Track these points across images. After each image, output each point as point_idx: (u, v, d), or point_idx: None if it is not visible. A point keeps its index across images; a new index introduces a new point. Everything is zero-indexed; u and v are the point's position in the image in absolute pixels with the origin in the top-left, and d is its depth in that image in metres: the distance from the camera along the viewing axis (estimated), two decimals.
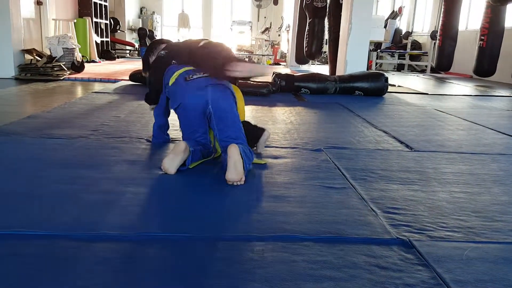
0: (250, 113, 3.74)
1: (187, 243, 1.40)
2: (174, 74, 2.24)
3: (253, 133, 2.40)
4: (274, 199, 1.80)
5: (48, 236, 1.39)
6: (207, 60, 2.24)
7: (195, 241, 1.41)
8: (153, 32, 5.60)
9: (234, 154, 1.96)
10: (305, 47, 8.36)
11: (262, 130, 2.47)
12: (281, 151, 2.56)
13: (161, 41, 2.59)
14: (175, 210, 1.67)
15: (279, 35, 13.30)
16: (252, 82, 4.76)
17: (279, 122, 3.48)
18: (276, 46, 12.78)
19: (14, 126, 2.89)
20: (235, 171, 1.94)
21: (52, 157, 2.25)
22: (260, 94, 4.69)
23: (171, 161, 2.05)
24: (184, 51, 2.34)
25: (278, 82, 5.12)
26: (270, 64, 11.18)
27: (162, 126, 2.58)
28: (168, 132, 2.67)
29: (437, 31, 8.49)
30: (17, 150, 2.37)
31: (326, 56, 7.84)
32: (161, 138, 2.62)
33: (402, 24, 12.28)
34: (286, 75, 5.32)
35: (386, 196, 1.89)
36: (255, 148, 2.46)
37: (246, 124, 2.39)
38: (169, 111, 2.48)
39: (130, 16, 13.88)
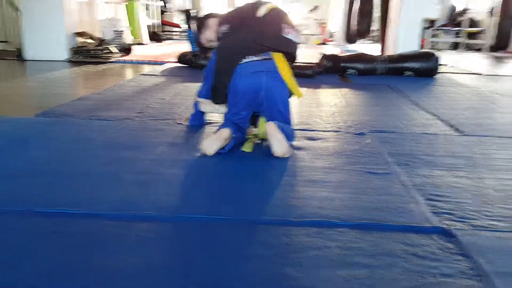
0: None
1: (224, 226, 1.42)
2: None
3: None
4: (311, 183, 1.79)
5: (91, 215, 1.46)
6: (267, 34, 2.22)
7: (232, 224, 1.43)
8: (198, 13, 5.64)
9: (274, 131, 2.07)
10: (355, 25, 8.14)
11: None
12: (322, 134, 2.52)
13: (209, 15, 2.49)
14: (213, 193, 1.70)
15: (328, 13, 13.01)
16: (297, 64, 4.69)
17: (323, 104, 3.43)
18: (324, 25, 12.52)
19: (65, 108, 3.01)
20: (280, 145, 2.06)
21: (98, 139, 2.33)
22: (305, 76, 4.63)
23: (211, 144, 2.09)
24: (248, 25, 2.26)
25: (324, 63, 5.02)
26: (318, 44, 11.00)
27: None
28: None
29: (496, 8, 8.02)
30: (65, 131, 2.47)
31: (377, 34, 7.60)
32: (199, 121, 2.63)
33: (458, 1, 11.66)
34: (332, 55, 5.21)
35: (429, 182, 1.83)
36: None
37: None
38: None
39: None
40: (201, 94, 2.51)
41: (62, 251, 1.24)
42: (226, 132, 2.12)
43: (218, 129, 2.16)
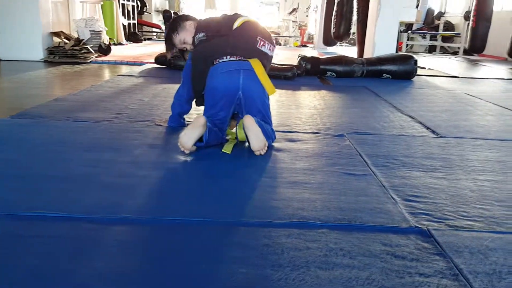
0: (273, 97, 3.71)
1: (204, 228, 1.41)
2: None
3: None
4: (292, 185, 1.79)
5: (69, 219, 1.43)
6: (239, 43, 2.25)
7: (212, 226, 1.42)
8: (177, 14, 5.59)
9: (251, 125, 2.06)
10: (333, 28, 8.21)
11: None
12: (302, 136, 2.54)
13: (186, 17, 2.48)
14: (193, 195, 1.69)
15: (306, 16, 13.10)
16: (276, 65, 4.71)
17: (302, 106, 3.45)
18: (303, 27, 12.61)
19: (41, 109, 2.95)
20: (257, 139, 2.05)
21: (76, 140, 2.29)
22: (284, 78, 4.64)
23: (189, 136, 2.05)
24: (223, 33, 2.29)
25: (303, 65, 5.05)
26: (297, 46, 11.06)
27: (183, 113, 2.60)
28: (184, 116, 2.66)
29: (471, 12, 8.20)
30: (42, 133, 2.42)
31: (355, 37, 7.69)
32: (178, 122, 2.61)
33: (434, 4, 11.89)
34: (312, 57, 5.24)
35: (407, 183, 1.85)
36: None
37: None
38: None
39: None
40: (178, 95, 2.51)
41: (38, 255, 1.21)
42: (201, 119, 2.09)
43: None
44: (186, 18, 2.47)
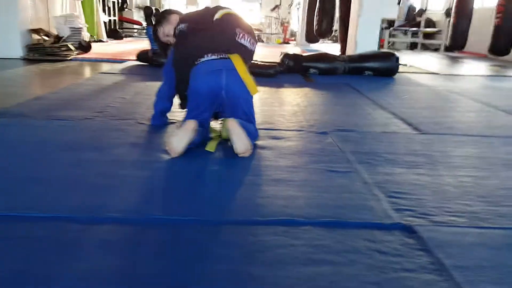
0: (257, 94, 3.70)
1: (189, 227, 1.40)
2: None
3: None
4: (276, 182, 1.79)
5: (52, 219, 1.41)
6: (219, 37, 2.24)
7: (196, 225, 1.42)
8: (159, 11, 5.55)
9: (235, 128, 2.05)
10: (316, 25, 8.24)
11: None
12: (285, 133, 2.54)
13: (171, 11, 2.51)
14: (177, 193, 1.67)
15: (289, 12, 13.12)
16: (259, 63, 4.70)
17: (285, 104, 3.45)
18: (286, 24, 12.63)
19: (21, 108, 2.90)
20: (241, 142, 2.03)
21: (57, 139, 2.25)
22: (267, 75, 4.63)
23: (180, 140, 2.00)
24: (203, 26, 2.28)
25: (286, 62, 5.05)
26: (279, 43, 11.07)
27: (165, 111, 2.58)
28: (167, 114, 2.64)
29: (452, 9, 8.30)
30: (22, 132, 2.38)
31: (337, 34, 7.73)
32: (160, 120, 2.59)
33: (416, 1, 12.01)
34: (294, 55, 5.24)
35: (390, 180, 1.87)
36: None
37: None
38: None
39: None
40: (160, 93, 2.50)
41: (21, 256, 1.19)
42: (191, 124, 2.04)
43: (181, 125, 2.10)
44: (171, 11, 2.51)
